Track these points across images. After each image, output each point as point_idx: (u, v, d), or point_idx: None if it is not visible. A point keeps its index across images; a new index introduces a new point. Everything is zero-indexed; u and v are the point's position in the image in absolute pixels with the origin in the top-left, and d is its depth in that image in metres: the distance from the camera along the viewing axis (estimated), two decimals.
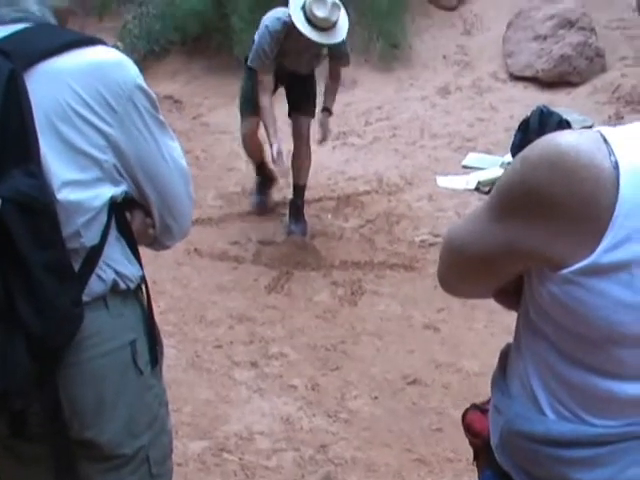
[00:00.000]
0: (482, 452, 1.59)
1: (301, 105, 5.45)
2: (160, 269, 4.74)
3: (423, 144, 7.18)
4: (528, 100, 7.27)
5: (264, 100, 5.06)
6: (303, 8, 4.75)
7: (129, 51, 7.76)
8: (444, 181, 6.36)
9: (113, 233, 1.67)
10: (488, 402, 1.50)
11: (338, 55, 5.31)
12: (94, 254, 1.63)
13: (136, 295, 1.78)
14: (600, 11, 8.31)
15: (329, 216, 5.84)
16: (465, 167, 6.65)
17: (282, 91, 5.59)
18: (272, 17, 5.00)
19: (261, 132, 5.32)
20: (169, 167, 1.73)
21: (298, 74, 5.34)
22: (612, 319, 1.13)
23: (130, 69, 1.64)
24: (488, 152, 6.86)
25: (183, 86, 8.67)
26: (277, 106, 5.35)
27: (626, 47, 8.13)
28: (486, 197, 1.30)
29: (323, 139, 5.68)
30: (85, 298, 1.61)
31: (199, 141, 7.31)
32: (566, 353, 1.23)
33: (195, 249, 5.27)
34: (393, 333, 4.37)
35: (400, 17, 8.74)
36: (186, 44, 9.01)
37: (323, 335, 4.34)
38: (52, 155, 1.53)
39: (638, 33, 8.17)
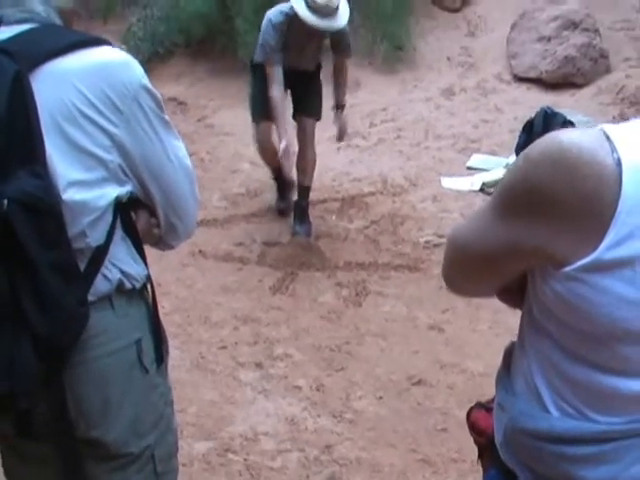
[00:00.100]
0: (486, 450, 1.60)
1: (306, 106, 5.46)
2: (165, 270, 4.75)
3: (427, 145, 7.18)
4: (532, 101, 7.26)
5: (274, 91, 5.08)
6: None
7: (133, 53, 7.67)
8: (449, 182, 6.36)
9: (118, 233, 1.67)
10: (492, 400, 1.50)
11: (341, 47, 5.37)
12: (100, 254, 1.63)
13: (141, 294, 1.78)
14: (604, 12, 8.31)
15: (333, 217, 5.85)
16: (469, 168, 6.66)
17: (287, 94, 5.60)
18: (274, 11, 5.12)
19: (275, 137, 5.32)
20: (174, 167, 1.73)
21: (303, 72, 5.36)
22: (615, 316, 1.13)
23: (135, 69, 1.64)
24: (493, 153, 6.87)
25: (187, 88, 8.67)
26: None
27: (630, 48, 8.13)
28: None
29: (341, 136, 5.75)
30: (91, 298, 1.61)
31: (203, 143, 7.31)
32: (570, 350, 1.23)
33: (200, 250, 5.28)
34: (398, 334, 4.37)
35: (404, 19, 8.75)
36: (190, 46, 9.02)
37: (328, 336, 4.35)
38: (57, 155, 1.53)
39: None
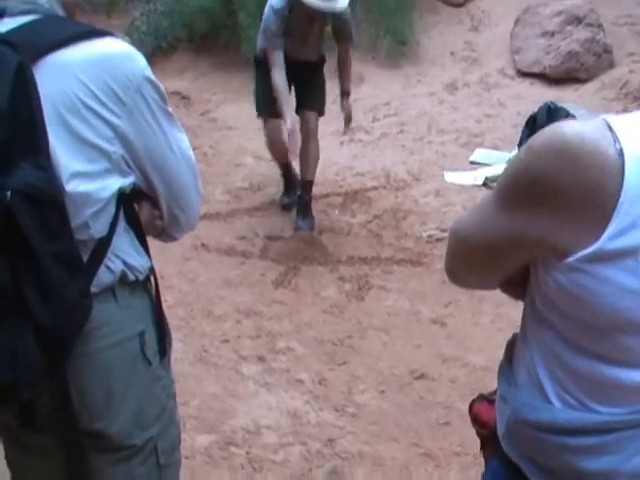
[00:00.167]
0: (489, 442, 1.60)
1: (309, 100, 5.46)
2: (167, 264, 4.75)
3: (430, 140, 7.18)
4: (535, 96, 7.25)
5: (276, 75, 5.08)
6: None
7: (137, 48, 7.70)
8: (451, 177, 6.36)
9: (121, 224, 1.67)
10: (495, 392, 1.51)
11: (343, 34, 5.40)
12: (102, 245, 1.63)
13: (144, 286, 1.78)
14: (608, 7, 8.30)
15: (336, 212, 5.85)
16: (472, 163, 6.66)
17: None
18: None
19: (285, 135, 5.30)
20: (177, 158, 1.73)
21: (305, 63, 5.35)
22: (618, 306, 1.13)
23: (138, 61, 1.64)
24: (495, 148, 6.86)
25: (191, 83, 8.68)
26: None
27: (634, 43, 8.11)
28: None
29: (347, 123, 5.78)
30: (94, 289, 1.61)
31: (207, 137, 7.31)
32: (572, 341, 1.23)
33: (202, 244, 5.28)
34: (400, 328, 4.38)
35: (407, 14, 8.74)
36: (194, 41, 9.03)
37: (330, 330, 4.35)
38: (60, 147, 1.53)
39: None
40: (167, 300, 4.24)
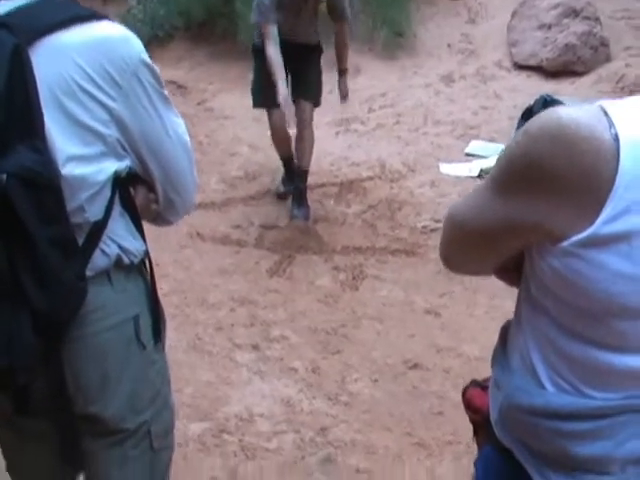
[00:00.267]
0: (482, 428, 1.60)
1: (304, 90, 5.43)
2: (162, 252, 4.75)
3: (426, 131, 7.17)
4: (532, 89, 7.25)
5: (270, 49, 5.06)
6: None
7: None
8: (447, 168, 6.36)
9: (117, 208, 1.67)
10: (489, 379, 1.51)
11: (338, 11, 5.40)
12: (98, 229, 1.63)
13: (139, 270, 1.78)
14: (605, 1, 8.30)
15: (332, 201, 5.85)
16: (468, 155, 6.65)
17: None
18: None
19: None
20: (173, 142, 1.73)
21: (300, 46, 5.33)
22: (612, 291, 1.14)
23: (135, 44, 1.64)
24: (491, 140, 6.86)
25: (187, 72, 8.65)
26: None
27: (631, 37, 8.12)
28: None
29: (344, 97, 5.80)
30: (89, 273, 1.61)
31: (203, 126, 7.29)
32: (566, 327, 1.24)
33: (197, 233, 5.28)
34: (394, 318, 4.38)
35: (404, 5, 8.72)
36: (190, 30, 9.00)
37: (324, 319, 4.35)
38: (56, 130, 1.53)
39: None
40: (162, 288, 4.21)
